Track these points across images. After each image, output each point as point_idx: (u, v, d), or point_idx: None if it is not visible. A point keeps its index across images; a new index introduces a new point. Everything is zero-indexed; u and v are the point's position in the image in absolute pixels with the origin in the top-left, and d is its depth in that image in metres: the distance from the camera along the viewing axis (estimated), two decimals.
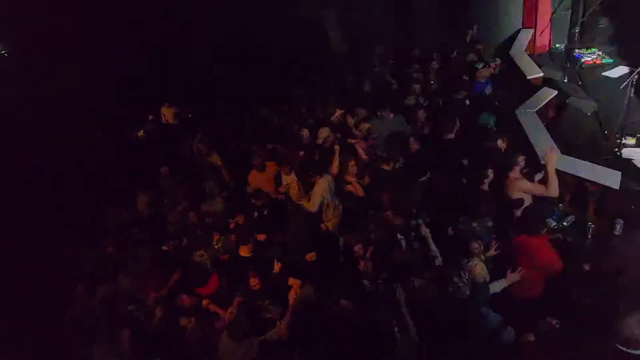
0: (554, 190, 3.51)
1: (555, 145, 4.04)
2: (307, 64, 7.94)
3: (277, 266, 3.88)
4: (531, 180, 3.74)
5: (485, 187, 3.80)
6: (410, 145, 4.67)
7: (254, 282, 3.66)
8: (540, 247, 3.16)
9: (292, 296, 3.60)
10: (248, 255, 4.00)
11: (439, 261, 3.33)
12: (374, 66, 7.15)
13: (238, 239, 4.13)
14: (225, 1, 8.19)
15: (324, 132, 5.15)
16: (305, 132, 5.31)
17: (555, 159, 3.55)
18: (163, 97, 8.10)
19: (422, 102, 5.70)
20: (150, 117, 8.36)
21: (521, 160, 3.76)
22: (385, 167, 4.38)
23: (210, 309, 3.77)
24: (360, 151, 4.93)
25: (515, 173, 3.70)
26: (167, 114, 8.02)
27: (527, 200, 3.68)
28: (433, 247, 3.38)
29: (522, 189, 3.65)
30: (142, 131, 8.21)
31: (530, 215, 3.31)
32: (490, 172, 3.78)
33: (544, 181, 3.59)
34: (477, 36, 6.82)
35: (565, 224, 3.85)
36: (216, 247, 4.23)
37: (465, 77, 5.66)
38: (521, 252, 3.23)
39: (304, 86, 7.31)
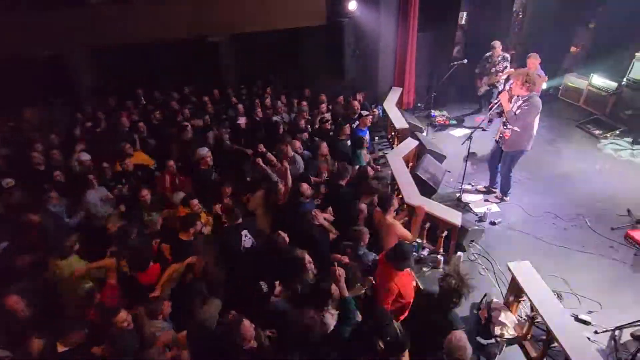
0: (416, 236, 4.27)
1: (422, 198, 4.69)
2: None
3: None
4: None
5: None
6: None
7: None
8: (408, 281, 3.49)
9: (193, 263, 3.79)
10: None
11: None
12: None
13: None
14: None
15: None
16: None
17: (424, 214, 4.24)
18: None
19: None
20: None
21: (396, 201, 4.25)
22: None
23: None
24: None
25: (390, 216, 4.12)
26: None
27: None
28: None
29: (397, 233, 4.06)
30: None
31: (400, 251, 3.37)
32: (365, 208, 4.20)
33: (410, 227, 4.24)
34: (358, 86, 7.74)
35: (422, 256, 4.53)
36: None
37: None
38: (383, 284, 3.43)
39: None
